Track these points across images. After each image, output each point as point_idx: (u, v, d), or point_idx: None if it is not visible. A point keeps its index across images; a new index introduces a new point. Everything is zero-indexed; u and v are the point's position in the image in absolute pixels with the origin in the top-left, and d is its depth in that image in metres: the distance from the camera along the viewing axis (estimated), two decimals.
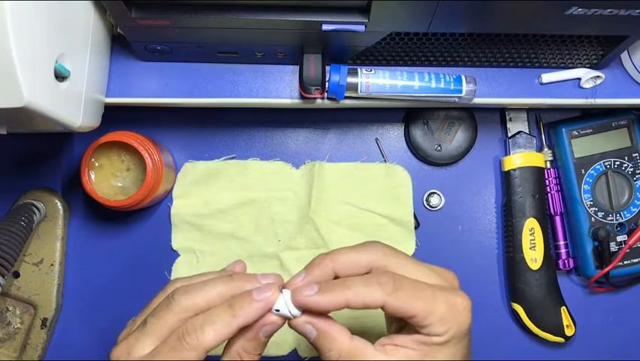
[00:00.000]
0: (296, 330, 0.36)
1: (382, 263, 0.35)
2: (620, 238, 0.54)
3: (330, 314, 0.36)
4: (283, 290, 0.35)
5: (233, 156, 0.57)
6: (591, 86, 0.49)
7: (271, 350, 0.55)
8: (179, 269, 0.56)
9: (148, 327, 0.35)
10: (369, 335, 0.37)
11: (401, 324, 0.38)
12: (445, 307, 0.33)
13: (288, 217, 0.56)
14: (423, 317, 0.33)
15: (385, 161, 0.57)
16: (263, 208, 0.56)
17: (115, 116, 0.50)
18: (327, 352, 0.35)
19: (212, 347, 0.34)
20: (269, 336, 0.36)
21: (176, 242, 0.56)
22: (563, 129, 0.55)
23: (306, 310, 0.35)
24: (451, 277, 0.37)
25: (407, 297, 0.33)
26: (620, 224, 0.55)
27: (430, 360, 0.34)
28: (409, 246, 0.56)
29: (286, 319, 0.35)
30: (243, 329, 0.35)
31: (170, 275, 0.56)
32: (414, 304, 0.33)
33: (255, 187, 0.56)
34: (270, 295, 0.34)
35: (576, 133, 0.55)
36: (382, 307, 0.34)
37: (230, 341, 0.36)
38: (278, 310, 0.35)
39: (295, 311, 0.35)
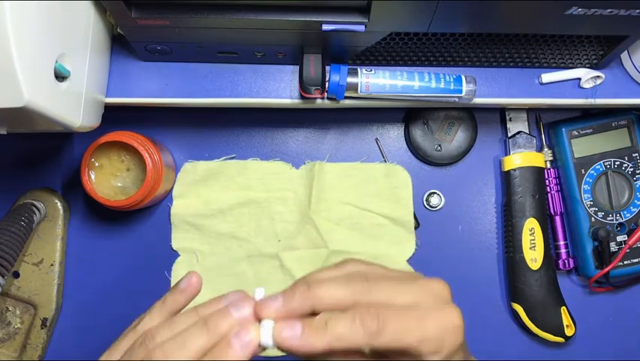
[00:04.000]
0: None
1: (365, 298, 0.32)
2: (620, 238, 0.54)
3: None
4: (263, 323, 0.33)
5: (233, 156, 0.57)
6: (591, 86, 0.49)
7: (270, 351, 0.55)
8: (179, 269, 0.56)
9: None
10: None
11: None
12: (436, 330, 0.31)
13: (288, 217, 0.56)
14: (415, 347, 0.31)
15: (385, 161, 0.57)
16: (263, 208, 0.56)
17: (115, 116, 0.50)
18: None
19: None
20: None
21: (176, 242, 0.56)
22: (563, 129, 0.55)
23: None
24: (439, 288, 0.34)
25: (395, 332, 0.30)
26: (620, 224, 0.55)
27: None
28: (409, 246, 0.56)
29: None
30: None
31: (170, 275, 0.56)
32: (403, 338, 0.30)
33: (254, 187, 0.56)
34: (251, 338, 0.32)
35: (576, 133, 0.55)
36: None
37: None
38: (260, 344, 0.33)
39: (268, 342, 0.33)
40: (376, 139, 0.58)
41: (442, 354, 0.31)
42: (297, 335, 0.31)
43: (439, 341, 0.31)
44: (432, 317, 0.32)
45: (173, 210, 0.56)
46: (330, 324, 0.31)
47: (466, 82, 0.47)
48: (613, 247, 0.54)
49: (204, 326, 0.33)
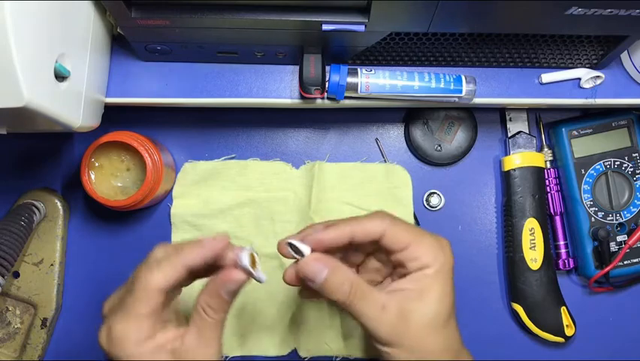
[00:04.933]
0: (302, 273, 0.38)
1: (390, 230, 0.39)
2: (620, 238, 0.54)
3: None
4: (246, 247, 0.37)
5: (233, 156, 0.57)
6: (591, 86, 0.49)
7: (271, 351, 0.55)
8: None
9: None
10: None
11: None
12: (431, 240, 0.39)
13: (288, 217, 0.56)
14: (414, 248, 0.38)
15: (385, 161, 0.57)
16: (263, 208, 0.56)
17: (115, 116, 0.50)
18: (339, 287, 0.38)
19: (162, 286, 0.36)
20: (231, 295, 0.37)
21: (176, 242, 0.56)
22: (563, 129, 0.55)
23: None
24: (443, 240, 0.40)
25: (401, 229, 0.39)
26: (620, 224, 0.55)
27: (426, 293, 0.38)
28: None
29: (249, 277, 0.37)
30: (209, 285, 0.37)
31: None
32: (407, 235, 0.39)
33: (254, 187, 0.56)
34: (216, 241, 0.37)
35: (576, 133, 0.55)
36: (381, 240, 0.39)
37: (198, 297, 0.38)
38: (245, 267, 0.36)
39: (261, 275, 0.37)
40: (376, 139, 0.57)
41: (436, 266, 0.38)
42: (322, 229, 0.40)
43: (433, 251, 0.38)
44: (429, 234, 0.40)
45: (173, 210, 0.56)
46: (352, 217, 0.40)
47: (466, 82, 0.47)
48: (613, 247, 0.54)
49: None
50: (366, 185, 0.56)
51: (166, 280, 0.36)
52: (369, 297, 0.38)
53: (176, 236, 0.56)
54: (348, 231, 0.39)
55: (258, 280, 0.37)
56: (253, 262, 0.37)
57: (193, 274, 0.39)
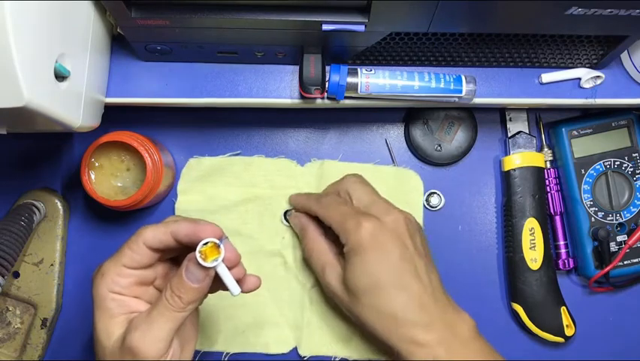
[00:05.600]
0: (292, 224, 0.54)
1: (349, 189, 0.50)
2: (620, 238, 0.54)
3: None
4: (213, 239, 0.38)
5: (239, 152, 0.57)
6: (591, 86, 0.49)
7: (272, 348, 0.55)
8: None
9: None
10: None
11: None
12: (351, 224, 0.45)
13: None
14: (335, 228, 0.47)
15: (394, 162, 0.57)
16: (267, 205, 0.56)
17: (115, 116, 0.50)
18: (302, 240, 0.52)
19: (148, 240, 0.39)
20: (193, 282, 0.37)
21: None
22: (563, 129, 0.55)
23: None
24: (393, 214, 0.47)
25: (330, 212, 0.48)
26: (620, 224, 0.55)
27: (349, 265, 0.45)
28: None
29: (207, 271, 0.38)
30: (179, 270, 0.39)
31: None
32: (332, 217, 0.47)
33: (259, 184, 0.56)
34: (208, 227, 0.39)
35: (576, 133, 0.55)
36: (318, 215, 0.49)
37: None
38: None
39: (222, 270, 0.38)
40: (385, 140, 0.57)
41: (349, 245, 0.45)
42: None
43: (347, 233, 0.45)
44: (356, 216, 0.46)
45: (177, 206, 0.56)
46: (311, 197, 0.53)
47: (466, 82, 0.47)
48: (613, 247, 0.54)
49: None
50: (377, 187, 0.56)
51: (153, 235, 0.39)
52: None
53: None
54: (307, 206, 0.52)
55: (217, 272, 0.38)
56: (213, 252, 0.37)
57: (183, 250, 0.40)
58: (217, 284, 0.40)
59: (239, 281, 0.40)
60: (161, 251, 0.41)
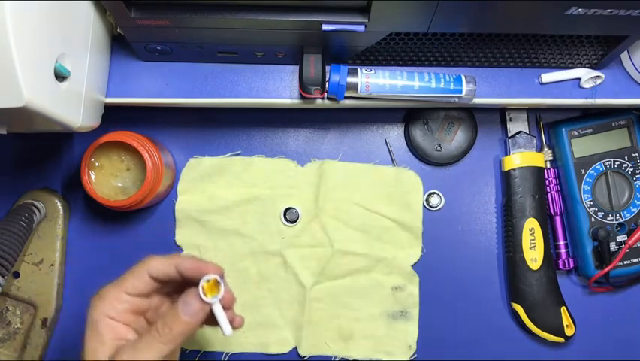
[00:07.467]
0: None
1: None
2: (620, 238, 0.54)
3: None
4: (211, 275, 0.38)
5: (239, 152, 0.57)
6: (591, 86, 0.49)
7: (272, 348, 0.55)
8: None
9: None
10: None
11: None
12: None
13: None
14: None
15: (394, 162, 0.57)
16: (267, 205, 0.56)
17: (115, 116, 0.50)
18: None
19: (151, 270, 0.40)
20: (187, 315, 0.38)
21: (180, 237, 0.56)
22: (563, 129, 0.55)
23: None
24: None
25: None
26: (620, 224, 0.55)
27: None
28: (415, 252, 0.56)
29: (203, 306, 0.38)
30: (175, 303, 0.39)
31: None
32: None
33: (259, 184, 0.56)
34: (209, 266, 0.39)
35: (576, 133, 0.55)
36: None
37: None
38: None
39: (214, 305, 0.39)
40: (385, 140, 0.57)
41: None
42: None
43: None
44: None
45: (177, 206, 0.56)
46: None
47: (466, 82, 0.47)
48: (613, 247, 0.54)
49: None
50: (377, 187, 0.56)
51: (158, 266, 0.40)
52: None
53: (181, 231, 0.56)
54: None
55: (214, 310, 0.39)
56: (213, 289, 0.38)
57: (182, 286, 0.40)
58: (205, 321, 0.41)
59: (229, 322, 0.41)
60: (161, 282, 0.41)
